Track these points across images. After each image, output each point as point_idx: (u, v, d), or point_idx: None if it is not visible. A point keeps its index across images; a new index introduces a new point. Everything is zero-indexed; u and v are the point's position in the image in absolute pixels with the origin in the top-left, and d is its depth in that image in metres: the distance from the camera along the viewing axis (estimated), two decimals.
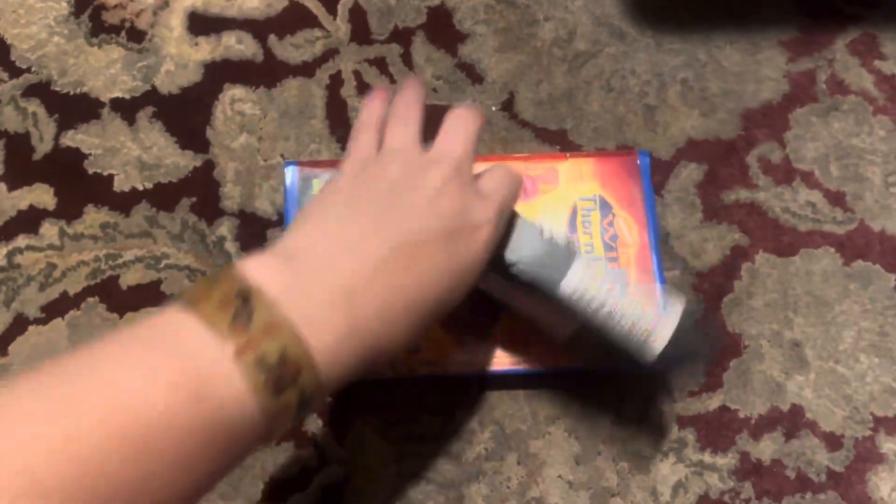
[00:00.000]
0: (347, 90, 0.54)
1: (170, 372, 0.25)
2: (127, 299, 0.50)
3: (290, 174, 0.48)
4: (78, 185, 0.52)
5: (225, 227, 0.51)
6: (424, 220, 0.32)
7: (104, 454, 0.23)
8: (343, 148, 0.53)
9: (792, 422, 0.48)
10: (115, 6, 0.56)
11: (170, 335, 0.26)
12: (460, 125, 0.36)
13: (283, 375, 0.26)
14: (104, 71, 0.55)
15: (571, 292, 0.39)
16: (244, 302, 0.27)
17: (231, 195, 0.52)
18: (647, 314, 0.39)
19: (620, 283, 0.40)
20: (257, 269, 0.28)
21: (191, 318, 0.27)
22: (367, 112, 0.38)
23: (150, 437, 0.24)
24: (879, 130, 0.53)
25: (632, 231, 0.48)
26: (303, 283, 0.29)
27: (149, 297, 0.50)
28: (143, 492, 0.24)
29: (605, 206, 0.48)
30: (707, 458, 0.48)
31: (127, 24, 0.55)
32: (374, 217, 0.32)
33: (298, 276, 0.29)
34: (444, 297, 0.32)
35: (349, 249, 0.31)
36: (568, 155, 0.49)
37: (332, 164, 0.48)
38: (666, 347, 0.39)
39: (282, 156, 0.53)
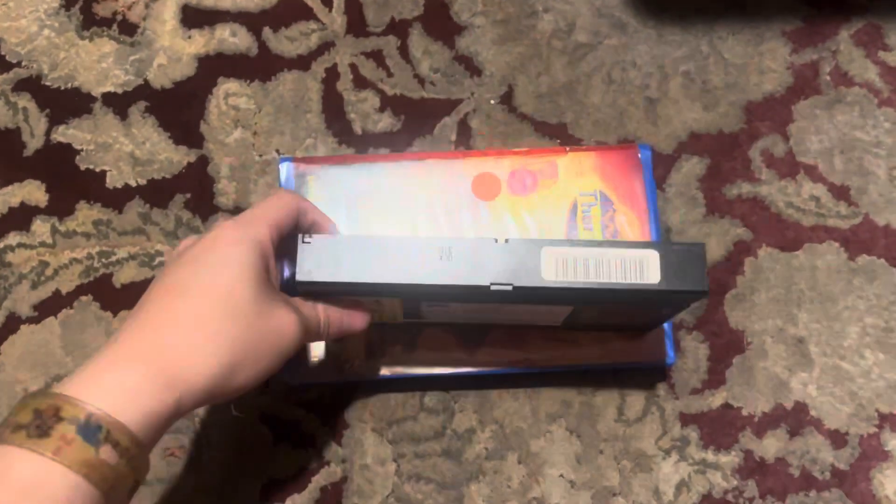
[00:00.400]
0: (344, 84, 0.53)
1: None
2: (121, 297, 0.49)
3: (285, 171, 0.47)
4: (70, 182, 0.51)
5: None
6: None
7: None
8: (339, 143, 0.52)
9: (796, 419, 0.47)
10: None
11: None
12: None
13: (42, 419, 0.29)
14: (96, 65, 0.53)
15: (553, 279, 0.37)
16: (37, 415, 0.29)
17: (226, 191, 0.51)
18: (632, 249, 0.38)
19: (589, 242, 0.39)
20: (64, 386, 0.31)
21: (7, 449, 0.28)
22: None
23: None
24: (884, 123, 0.52)
25: (633, 226, 0.47)
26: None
27: (142, 294, 0.49)
28: None
29: (605, 201, 0.47)
30: (710, 456, 0.47)
31: (119, 17, 0.54)
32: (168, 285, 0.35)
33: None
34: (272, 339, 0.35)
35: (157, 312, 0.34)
36: (568, 149, 0.48)
37: (327, 160, 0.48)
38: (664, 270, 0.37)
39: (277, 151, 0.52)
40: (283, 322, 0.35)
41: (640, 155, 0.48)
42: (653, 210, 0.47)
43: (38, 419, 0.28)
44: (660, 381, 0.48)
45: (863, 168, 0.52)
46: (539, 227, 0.47)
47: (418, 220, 0.47)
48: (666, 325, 0.46)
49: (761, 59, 0.54)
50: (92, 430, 0.28)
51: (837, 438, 0.47)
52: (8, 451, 0.28)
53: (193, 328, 0.33)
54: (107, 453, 0.29)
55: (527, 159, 0.48)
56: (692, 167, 0.52)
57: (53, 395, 0.29)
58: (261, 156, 0.52)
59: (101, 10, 0.55)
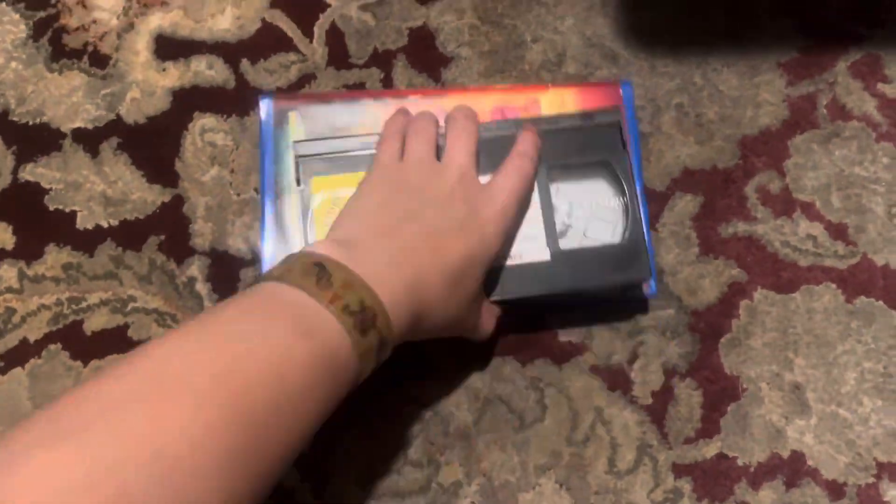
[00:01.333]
0: None
1: (284, 320, 0.32)
2: (92, 346, 0.47)
3: (265, 107, 0.47)
4: (38, 223, 0.49)
5: (195, 267, 0.49)
6: (440, 217, 0.39)
7: (254, 384, 0.29)
8: None
9: (793, 469, 0.46)
10: (77, 29, 0.52)
11: (275, 298, 0.33)
12: (460, 134, 0.43)
13: (365, 320, 0.33)
14: (65, 99, 0.51)
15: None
16: (321, 269, 0.33)
17: (202, 232, 0.49)
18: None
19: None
20: (322, 248, 0.35)
21: (284, 286, 0.33)
22: (391, 124, 0.45)
23: (282, 367, 0.30)
24: (883, 158, 0.51)
25: None
26: (360, 255, 0.35)
27: (115, 342, 0.47)
28: (278, 415, 0.30)
29: None
30: None
31: (89, 48, 0.52)
32: (403, 213, 0.39)
33: (356, 251, 0.36)
34: (465, 276, 0.39)
35: (388, 235, 0.38)
36: (549, 85, 0.49)
37: (308, 97, 0.49)
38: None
39: (255, 190, 0.50)
40: (484, 316, 0.43)
41: (621, 91, 0.49)
42: (634, 147, 0.49)
43: (363, 318, 0.33)
44: (652, 428, 0.47)
45: (861, 205, 0.50)
46: None
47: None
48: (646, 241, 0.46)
49: (757, 91, 0.52)
50: (369, 317, 0.34)
51: (835, 489, 0.46)
52: (296, 292, 0.33)
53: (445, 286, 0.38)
54: (372, 337, 0.34)
55: (509, 96, 0.49)
56: (686, 205, 0.50)
57: (355, 278, 0.34)
58: (238, 195, 0.50)
59: (72, 42, 0.52)
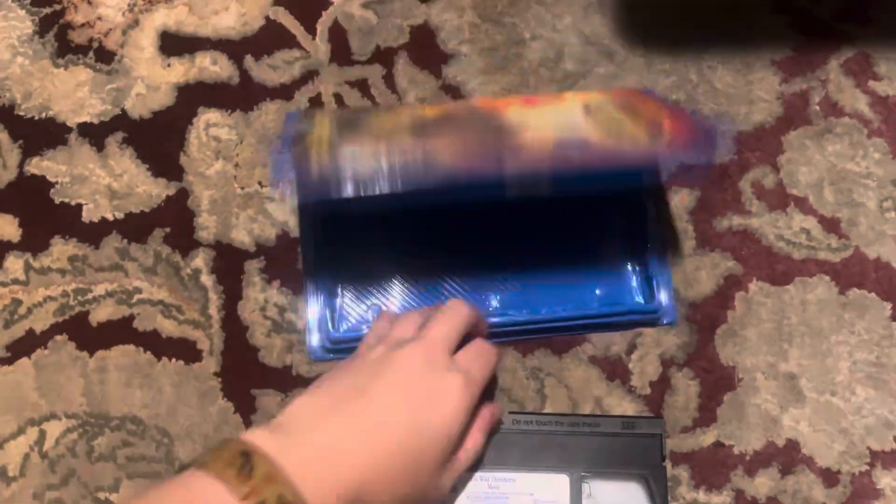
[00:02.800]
0: None
1: None
2: (98, 336, 0.48)
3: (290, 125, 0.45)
4: (44, 216, 0.50)
5: (200, 259, 0.49)
6: (387, 393, 0.38)
7: None
8: None
9: (788, 457, 0.47)
10: (82, 25, 0.53)
11: (195, 489, 0.33)
12: (447, 312, 0.42)
13: (251, 475, 0.32)
14: (71, 94, 0.52)
15: None
16: (246, 459, 0.33)
17: (206, 225, 0.50)
18: None
19: None
20: (254, 436, 0.35)
21: (204, 475, 0.33)
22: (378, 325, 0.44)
23: None
24: (874, 154, 0.52)
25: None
26: (292, 444, 0.35)
27: (120, 333, 0.48)
28: None
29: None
30: (701, 496, 0.46)
31: (95, 44, 0.53)
32: (350, 387, 0.38)
33: (289, 438, 0.35)
34: (421, 470, 0.38)
35: (331, 413, 0.37)
36: (569, 94, 0.49)
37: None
38: None
39: (259, 183, 0.50)
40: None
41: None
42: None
43: (245, 470, 0.33)
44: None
45: (853, 200, 0.51)
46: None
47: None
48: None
49: (751, 88, 0.53)
50: None
51: (829, 477, 0.47)
52: (214, 486, 0.32)
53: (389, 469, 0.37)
54: None
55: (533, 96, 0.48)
56: (682, 199, 0.51)
57: (269, 463, 0.33)
58: (242, 188, 0.50)
59: (77, 37, 0.53)
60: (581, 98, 0.47)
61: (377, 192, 0.39)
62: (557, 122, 0.44)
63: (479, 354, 0.42)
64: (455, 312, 0.42)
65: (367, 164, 0.38)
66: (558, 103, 0.47)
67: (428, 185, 0.38)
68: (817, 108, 0.53)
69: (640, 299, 0.49)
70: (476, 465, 0.43)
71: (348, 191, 0.39)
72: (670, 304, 0.48)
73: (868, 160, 0.52)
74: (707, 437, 0.47)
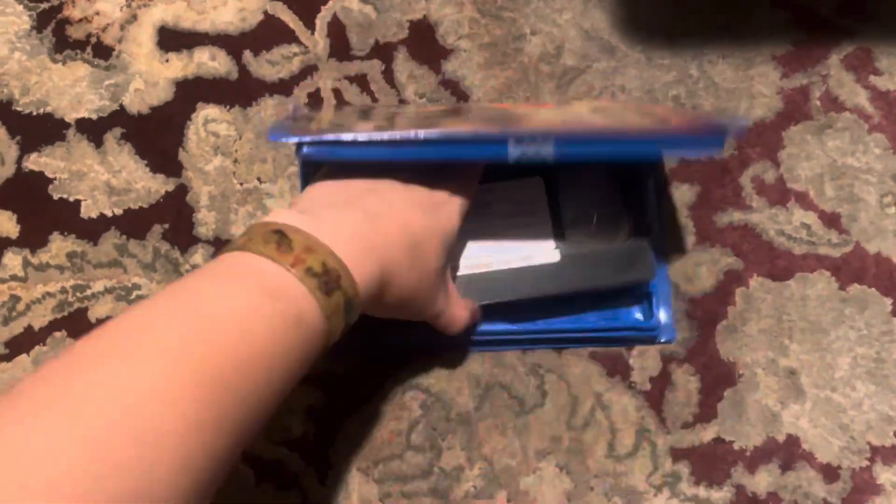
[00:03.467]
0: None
1: (249, 284, 0.32)
2: None
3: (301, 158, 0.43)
4: (42, 212, 0.50)
5: (199, 256, 0.49)
6: (399, 193, 0.39)
7: (222, 344, 0.29)
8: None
9: (788, 453, 0.47)
10: (80, 20, 0.53)
11: (238, 265, 0.33)
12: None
13: (329, 280, 0.33)
14: (69, 89, 0.52)
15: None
16: (281, 236, 0.33)
17: (205, 221, 0.50)
18: None
19: None
20: (282, 216, 0.35)
21: (246, 254, 0.33)
22: None
23: (250, 329, 0.30)
24: (875, 149, 0.52)
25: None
26: (321, 222, 0.35)
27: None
28: (248, 376, 0.30)
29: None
30: (702, 492, 0.46)
31: (93, 40, 0.53)
32: (363, 188, 0.39)
33: (317, 219, 0.35)
34: (426, 246, 0.39)
35: (348, 205, 0.37)
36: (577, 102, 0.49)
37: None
38: None
39: (258, 179, 0.50)
40: (456, 308, 0.43)
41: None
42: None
43: (326, 279, 0.33)
44: (650, 413, 0.47)
45: (853, 195, 0.51)
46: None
47: None
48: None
49: (751, 83, 0.53)
50: (333, 278, 0.33)
51: (829, 472, 0.47)
52: (259, 259, 0.33)
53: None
54: (338, 298, 0.34)
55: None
56: (682, 194, 0.51)
57: (306, 236, 0.34)
58: (241, 184, 0.50)
59: (75, 33, 0.53)
60: (589, 104, 0.47)
61: (377, 146, 0.38)
62: (564, 115, 0.45)
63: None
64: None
65: (366, 131, 0.38)
66: (566, 107, 0.47)
67: (430, 142, 0.38)
68: (818, 102, 0.53)
69: (639, 316, 0.49)
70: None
71: (349, 141, 0.38)
72: (669, 322, 0.48)
73: (868, 155, 0.52)
74: (707, 433, 0.47)
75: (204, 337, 0.29)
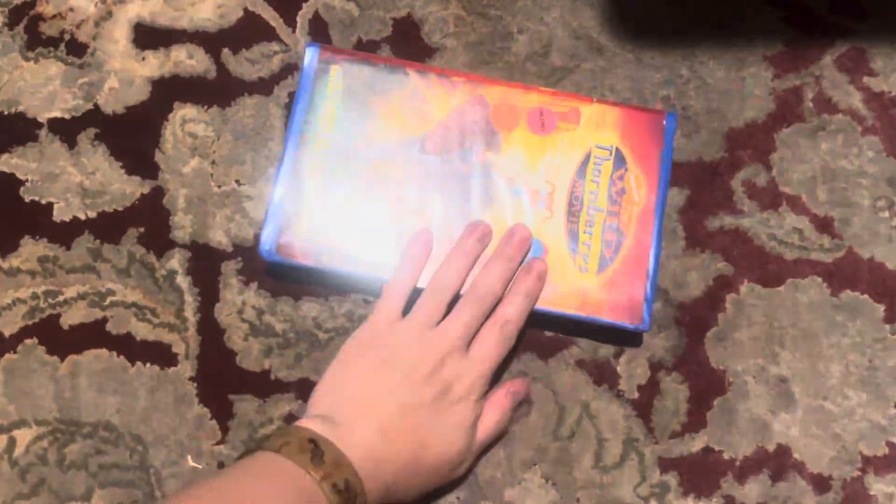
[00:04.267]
0: None
1: (287, 489, 0.35)
2: (69, 340, 0.46)
3: (309, 56, 0.48)
4: (13, 215, 0.48)
5: (176, 261, 0.48)
6: (418, 397, 0.41)
7: None
8: None
9: (778, 463, 0.46)
10: (54, 17, 0.51)
11: (276, 467, 0.36)
12: (490, 339, 0.43)
13: (349, 498, 0.36)
14: (41, 88, 0.50)
15: None
16: (315, 447, 0.37)
17: (182, 225, 0.48)
18: None
19: None
20: (313, 425, 0.38)
21: (282, 458, 0.36)
22: (411, 248, 0.46)
23: None
24: (868, 152, 0.51)
25: (640, 190, 0.47)
26: (344, 434, 0.38)
27: (93, 337, 0.46)
28: None
29: (619, 159, 0.48)
30: (690, 503, 0.45)
31: (66, 37, 0.51)
32: (384, 390, 0.41)
33: (340, 430, 0.38)
34: (439, 460, 0.41)
35: (368, 413, 0.40)
36: (594, 99, 0.48)
37: (355, 54, 0.48)
38: None
39: (237, 181, 0.49)
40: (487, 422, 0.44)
41: (665, 122, 0.48)
42: (664, 178, 0.47)
43: (317, 455, 0.36)
44: (638, 422, 0.46)
45: (846, 199, 0.50)
46: (548, 169, 0.47)
47: (428, 136, 0.47)
48: (649, 285, 0.46)
49: (743, 84, 0.52)
50: (352, 495, 0.36)
51: (821, 483, 0.46)
52: (295, 468, 0.36)
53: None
54: None
55: (552, 99, 0.48)
56: (672, 198, 0.50)
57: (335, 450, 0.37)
58: (220, 187, 0.49)
59: (48, 30, 0.51)
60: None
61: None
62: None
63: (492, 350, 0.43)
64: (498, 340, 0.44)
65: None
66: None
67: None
68: (811, 104, 0.52)
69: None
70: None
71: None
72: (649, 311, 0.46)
73: (862, 158, 0.51)
74: (696, 443, 0.46)
75: None
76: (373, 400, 0.40)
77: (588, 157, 0.47)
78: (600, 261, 0.46)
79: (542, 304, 0.45)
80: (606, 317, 0.45)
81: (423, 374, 0.41)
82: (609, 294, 0.46)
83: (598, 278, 0.46)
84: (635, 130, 0.48)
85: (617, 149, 0.48)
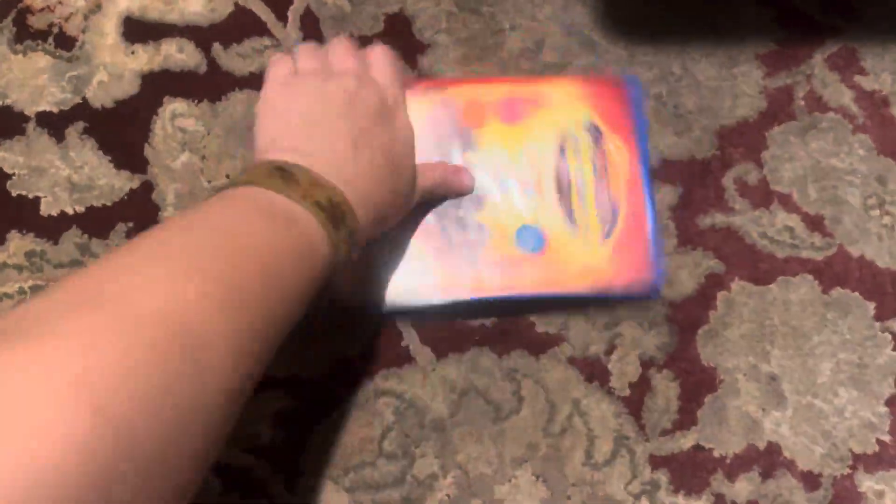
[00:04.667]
0: None
1: (262, 212, 0.32)
2: None
3: None
4: (0, 210, 0.48)
5: None
6: (368, 118, 0.40)
7: (245, 265, 0.30)
8: None
9: (769, 460, 0.46)
10: (42, 9, 0.51)
11: (249, 196, 0.33)
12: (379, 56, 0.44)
13: (336, 214, 0.34)
14: (29, 81, 0.50)
15: None
16: (283, 172, 0.34)
17: None
18: None
19: None
20: (275, 155, 0.36)
21: (253, 188, 0.33)
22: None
23: (269, 252, 0.31)
24: (859, 150, 0.51)
25: (622, 157, 0.47)
26: (311, 159, 0.36)
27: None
28: (268, 296, 0.30)
29: (595, 131, 0.47)
30: (681, 500, 0.45)
31: (55, 30, 0.51)
32: (335, 117, 0.39)
33: (307, 156, 0.36)
34: (401, 162, 0.41)
35: (326, 135, 0.38)
36: (557, 78, 0.49)
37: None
38: None
39: (227, 176, 0.49)
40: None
41: (629, 88, 0.48)
42: (643, 142, 0.48)
43: (333, 213, 0.34)
44: (629, 420, 0.46)
45: (837, 197, 0.50)
46: (529, 157, 0.47)
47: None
48: (652, 249, 0.46)
49: (734, 82, 0.52)
50: (339, 212, 0.35)
51: (811, 480, 0.46)
52: (267, 192, 0.33)
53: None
54: (343, 232, 0.35)
55: (517, 87, 0.48)
56: (664, 196, 0.50)
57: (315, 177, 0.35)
58: (210, 182, 0.48)
59: (36, 22, 0.51)
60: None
61: None
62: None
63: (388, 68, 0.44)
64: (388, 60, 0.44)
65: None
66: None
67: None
68: (802, 103, 0.52)
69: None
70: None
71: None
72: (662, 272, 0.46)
73: (853, 156, 0.51)
74: (687, 441, 0.46)
75: (229, 257, 0.30)
76: (325, 124, 0.39)
77: (565, 136, 0.47)
78: (601, 233, 0.46)
79: (555, 288, 0.45)
80: (618, 290, 0.45)
81: (351, 96, 0.40)
82: (617, 264, 0.45)
83: (602, 250, 0.46)
84: (603, 100, 0.48)
85: (591, 122, 0.47)
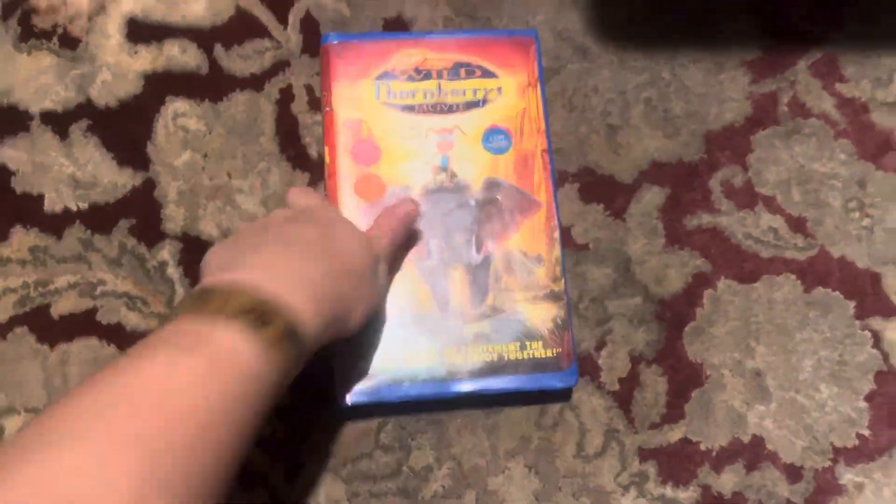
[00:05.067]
0: (299, 105, 0.51)
1: (184, 352, 0.30)
2: (59, 329, 0.47)
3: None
4: (4, 205, 0.48)
5: (167, 252, 0.48)
6: (303, 225, 0.40)
7: (173, 436, 0.28)
8: (294, 167, 0.50)
9: (753, 453, 0.48)
10: (47, 10, 0.52)
11: (170, 337, 0.31)
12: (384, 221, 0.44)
13: (265, 312, 0.32)
14: (34, 80, 0.50)
15: None
16: (203, 291, 0.33)
17: (173, 217, 0.49)
18: None
19: None
20: (208, 277, 0.36)
21: (176, 322, 0.32)
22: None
23: (204, 415, 0.29)
24: (840, 154, 0.53)
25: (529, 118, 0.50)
26: (247, 270, 0.35)
27: (83, 326, 0.47)
28: (202, 460, 0.28)
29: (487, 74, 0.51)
30: (668, 492, 0.47)
31: (59, 30, 0.51)
32: (305, 246, 0.38)
33: (242, 270, 0.35)
34: (342, 246, 0.39)
35: (281, 257, 0.37)
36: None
37: None
38: None
39: (228, 174, 0.50)
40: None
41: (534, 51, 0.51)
42: (542, 91, 0.50)
43: (257, 313, 0.32)
44: (619, 413, 0.48)
45: (819, 200, 0.52)
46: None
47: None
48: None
49: (721, 88, 0.54)
50: (297, 337, 0.33)
51: (793, 472, 0.47)
52: (188, 320, 0.32)
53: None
54: (278, 325, 0.32)
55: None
56: (653, 197, 0.51)
57: (269, 297, 0.33)
58: (211, 180, 0.50)
59: (41, 22, 0.52)
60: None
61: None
62: None
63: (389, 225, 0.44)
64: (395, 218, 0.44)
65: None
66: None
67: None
68: (786, 108, 0.53)
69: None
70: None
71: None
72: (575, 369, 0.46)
73: (834, 161, 0.53)
74: (675, 434, 0.48)
75: (165, 437, 0.27)
76: (279, 250, 0.37)
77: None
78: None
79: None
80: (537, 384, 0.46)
81: (289, 218, 0.40)
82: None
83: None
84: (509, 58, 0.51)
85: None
